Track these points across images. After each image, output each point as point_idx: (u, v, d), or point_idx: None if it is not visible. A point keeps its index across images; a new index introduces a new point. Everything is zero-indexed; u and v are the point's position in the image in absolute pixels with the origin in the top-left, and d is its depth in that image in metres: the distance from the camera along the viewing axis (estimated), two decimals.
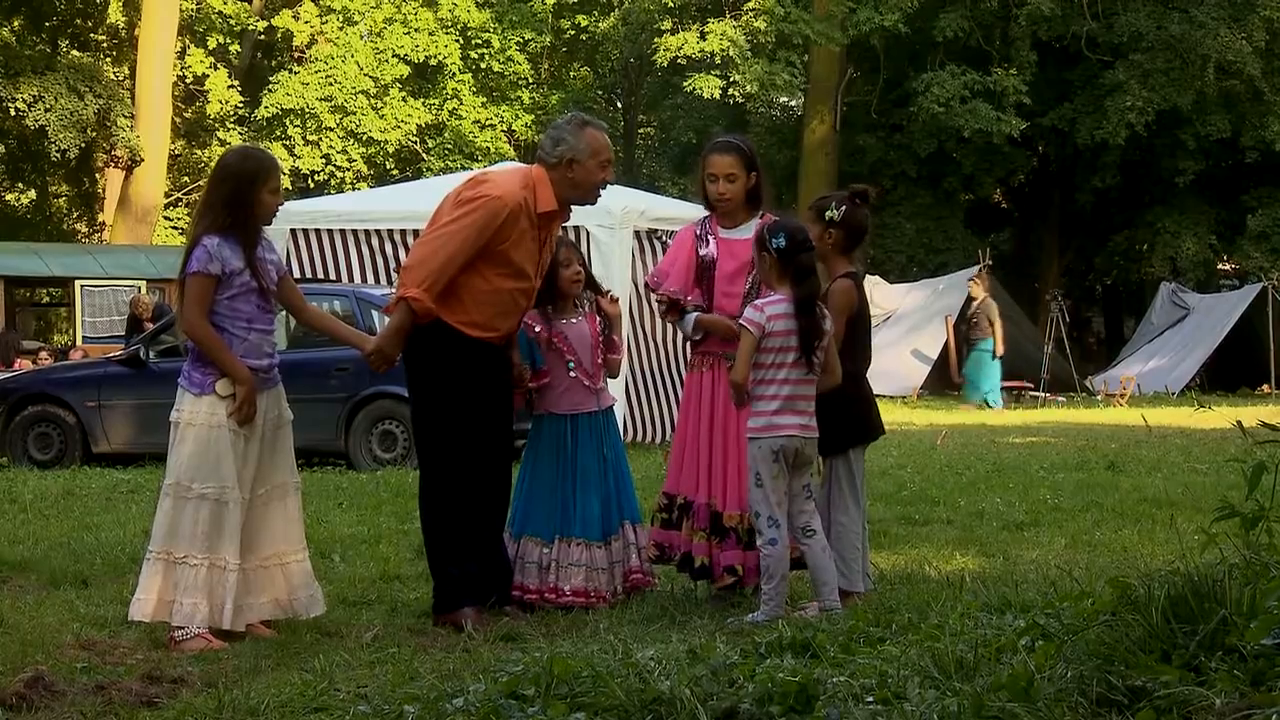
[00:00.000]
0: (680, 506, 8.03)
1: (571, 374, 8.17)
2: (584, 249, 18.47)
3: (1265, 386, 33.63)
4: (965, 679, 4.51)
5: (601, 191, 8.03)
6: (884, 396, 31.48)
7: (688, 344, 8.39)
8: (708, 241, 8.10)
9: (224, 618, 7.19)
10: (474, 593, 7.68)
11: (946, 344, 33.38)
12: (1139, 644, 4.37)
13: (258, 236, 7.41)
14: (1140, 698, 4.09)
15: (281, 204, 7.54)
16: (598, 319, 8.32)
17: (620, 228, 18.11)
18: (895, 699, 4.42)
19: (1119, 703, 4.12)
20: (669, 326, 18.81)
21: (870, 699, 4.47)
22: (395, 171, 44.20)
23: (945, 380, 33.53)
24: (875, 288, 35.20)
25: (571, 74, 50.66)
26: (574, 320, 8.26)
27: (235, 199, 7.31)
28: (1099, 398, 32.72)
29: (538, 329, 8.15)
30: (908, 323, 34.33)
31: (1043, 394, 32.15)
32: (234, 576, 7.22)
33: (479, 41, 44.92)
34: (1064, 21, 38.69)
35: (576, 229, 17.63)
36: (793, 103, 44.15)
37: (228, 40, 45.56)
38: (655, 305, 8.87)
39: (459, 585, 7.67)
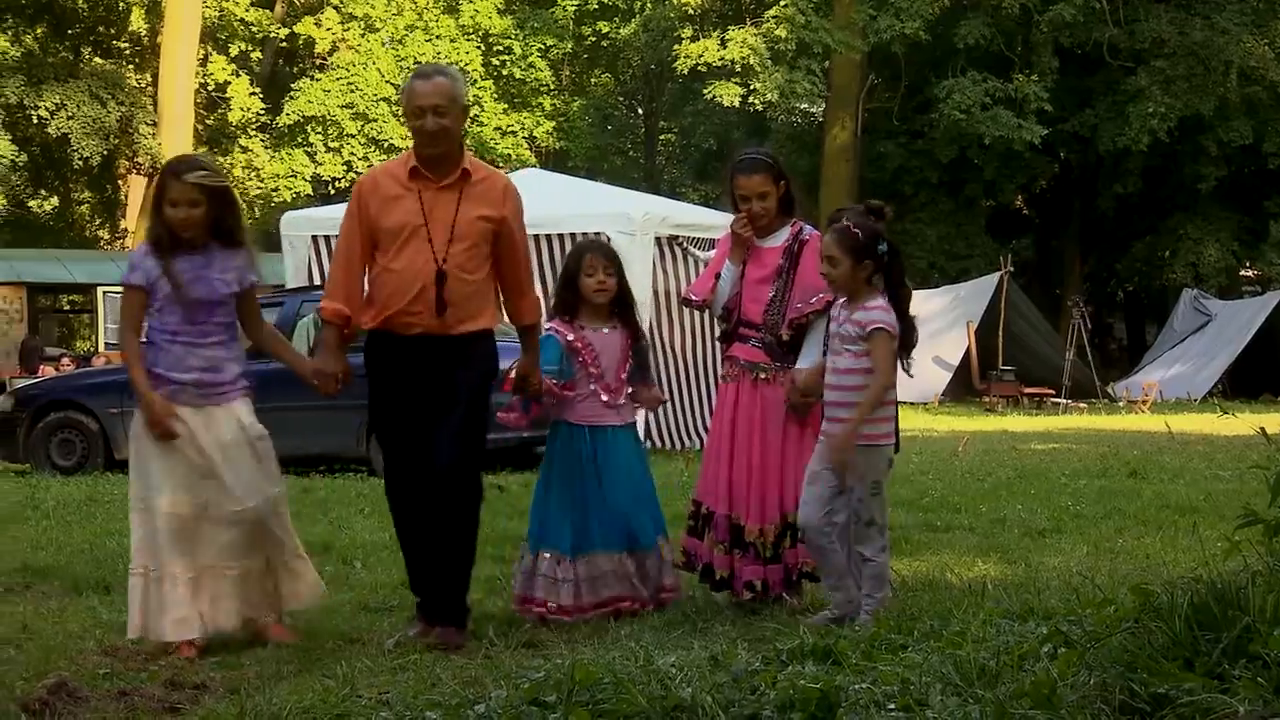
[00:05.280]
0: (703, 516, 8.03)
1: (592, 386, 7.92)
2: None
3: None
4: (987, 686, 4.50)
5: (426, 140, 7.38)
6: (905, 403, 31.51)
7: (719, 352, 8.38)
8: None
9: (163, 629, 7.10)
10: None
11: (968, 350, 33.36)
12: (1162, 651, 4.36)
13: (176, 246, 7.24)
14: (1163, 705, 4.08)
15: (189, 218, 7.18)
16: (630, 335, 8.08)
17: (641, 234, 18.12)
18: (917, 706, 4.42)
19: (1142, 710, 4.11)
20: (689, 336, 18.83)
21: (892, 706, 4.46)
22: None
23: (967, 387, 33.51)
24: None
25: (592, 80, 50.75)
26: (603, 330, 8.01)
27: (155, 209, 7.33)
28: (1121, 404, 32.69)
29: (570, 337, 7.93)
30: (929, 329, 34.17)
31: (1064, 400, 32.11)
32: (169, 586, 7.11)
33: (500, 48, 45.01)
34: (1086, 28, 38.65)
35: (597, 235, 17.64)
36: (814, 109, 44.14)
37: (250, 47, 45.68)
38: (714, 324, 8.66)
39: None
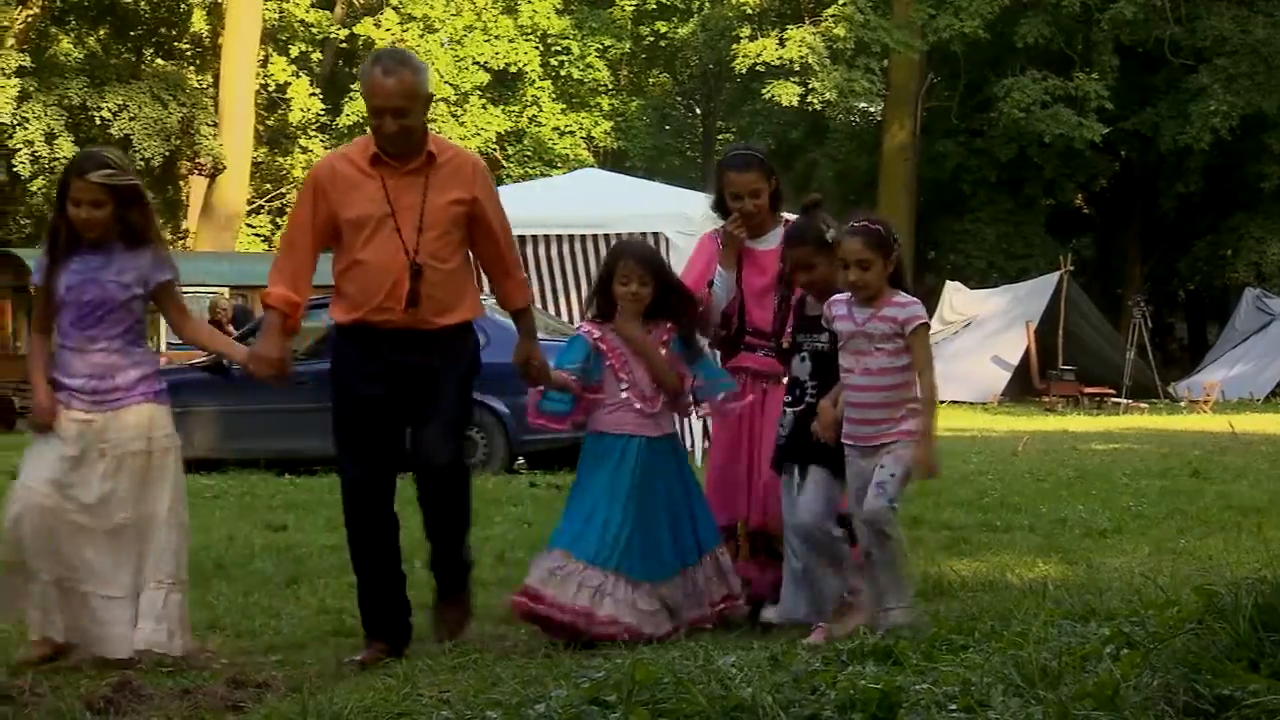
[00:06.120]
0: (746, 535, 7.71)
1: (623, 393, 7.39)
2: (663, 255, 18.49)
3: None
4: (1049, 687, 4.48)
5: (385, 141, 6.97)
6: (964, 403, 31.46)
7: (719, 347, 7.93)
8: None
9: (41, 625, 6.82)
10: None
11: (1028, 350, 33.24)
12: (1226, 652, 4.33)
13: (73, 245, 6.89)
14: (1228, 707, 4.06)
15: (91, 219, 6.82)
16: (671, 341, 7.49)
17: (700, 234, 18.10)
18: (979, 707, 4.40)
19: (1206, 712, 4.08)
20: None
21: (953, 707, 4.44)
22: None
23: (1026, 386, 33.39)
24: (956, 294, 35.16)
25: (650, 80, 50.79)
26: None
27: (57, 206, 6.97)
28: (1182, 404, 32.50)
29: (598, 335, 7.44)
30: (988, 329, 34.22)
31: (1125, 400, 31.94)
32: (37, 586, 6.78)
33: (559, 48, 45.08)
34: (1146, 26, 38.48)
35: (655, 235, 17.62)
36: (872, 109, 44.06)
37: (310, 48, 45.90)
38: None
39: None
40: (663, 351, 7.47)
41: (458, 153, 7.33)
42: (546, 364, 7.35)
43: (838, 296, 7.10)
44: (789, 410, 7.28)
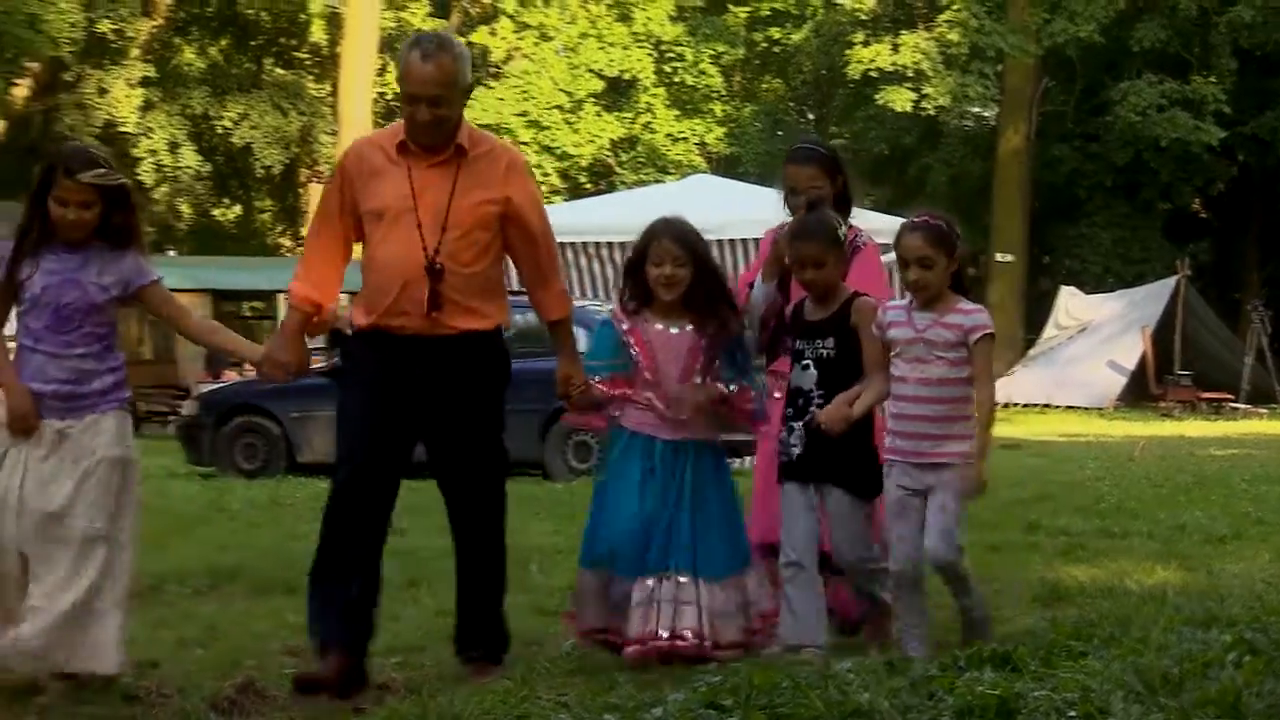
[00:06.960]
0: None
1: (646, 394, 6.73)
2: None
3: None
4: (1171, 694, 4.46)
5: (418, 131, 6.42)
6: (1079, 408, 31.22)
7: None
8: None
9: None
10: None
11: (1144, 355, 32.92)
12: None
13: (36, 244, 6.35)
14: None
15: (79, 220, 6.29)
16: (705, 336, 6.79)
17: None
18: (1099, 714, 4.38)
19: None
20: None
21: (1073, 714, 4.43)
22: (589, 185, 44.51)
23: (1142, 391, 33.07)
24: (1071, 298, 34.87)
25: (764, 86, 50.67)
26: (669, 329, 6.79)
27: (35, 201, 6.36)
28: None
29: (625, 326, 6.81)
30: (1103, 333, 33.93)
31: (1243, 405, 31.57)
32: None
33: (672, 55, 45.11)
34: (1266, 29, 38.00)
35: None
36: (986, 113, 43.79)
37: None
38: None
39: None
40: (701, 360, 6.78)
41: (493, 147, 6.72)
42: (589, 388, 6.77)
43: (892, 302, 6.77)
44: (796, 425, 6.73)
